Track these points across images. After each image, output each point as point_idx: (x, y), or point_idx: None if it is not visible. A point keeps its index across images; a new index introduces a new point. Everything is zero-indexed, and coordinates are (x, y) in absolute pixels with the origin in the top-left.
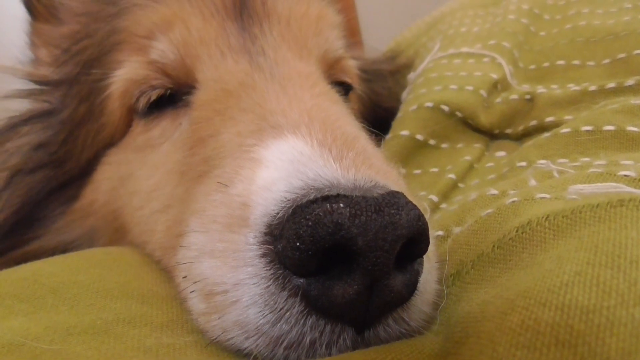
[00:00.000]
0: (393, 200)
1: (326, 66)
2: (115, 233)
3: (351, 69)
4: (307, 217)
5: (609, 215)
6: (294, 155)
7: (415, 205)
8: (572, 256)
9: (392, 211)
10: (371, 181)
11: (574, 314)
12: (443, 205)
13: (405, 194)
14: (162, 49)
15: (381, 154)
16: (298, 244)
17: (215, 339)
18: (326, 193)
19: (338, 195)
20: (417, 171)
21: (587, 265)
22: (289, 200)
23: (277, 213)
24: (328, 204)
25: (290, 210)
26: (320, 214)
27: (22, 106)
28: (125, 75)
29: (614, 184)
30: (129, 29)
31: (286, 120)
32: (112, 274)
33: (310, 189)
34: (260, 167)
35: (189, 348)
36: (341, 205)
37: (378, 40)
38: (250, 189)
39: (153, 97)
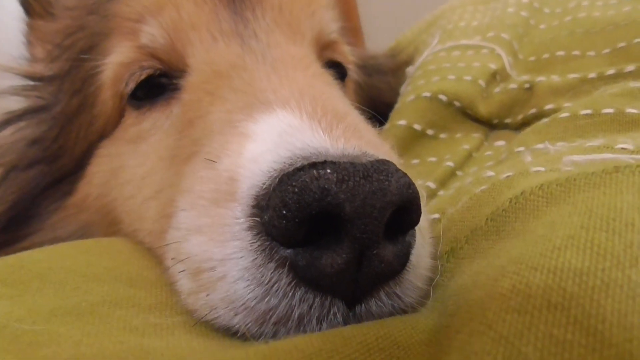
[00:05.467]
0: (382, 167)
1: (320, 49)
2: (109, 227)
3: (345, 52)
4: (293, 183)
5: (604, 181)
6: (283, 127)
7: (405, 174)
8: (565, 221)
9: (381, 177)
10: (360, 150)
11: (567, 276)
12: (440, 192)
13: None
14: (153, 33)
15: (373, 129)
16: (284, 211)
17: (203, 317)
18: (313, 160)
19: (325, 162)
20: (415, 161)
21: (581, 229)
22: (275, 170)
23: (264, 184)
24: (315, 170)
25: (277, 179)
26: (307, 180)
27: (16, 103)
28: (115, 59)
29: (611, 155)
30: (120, 14)
31: (276, 96)
32: (101, 260)
33: (298, 158)
34: (248, 140)
35: (177, 328)
36: (328, 171)
37: (381, 44)
38: (237, 162)
39: (142, 77)
